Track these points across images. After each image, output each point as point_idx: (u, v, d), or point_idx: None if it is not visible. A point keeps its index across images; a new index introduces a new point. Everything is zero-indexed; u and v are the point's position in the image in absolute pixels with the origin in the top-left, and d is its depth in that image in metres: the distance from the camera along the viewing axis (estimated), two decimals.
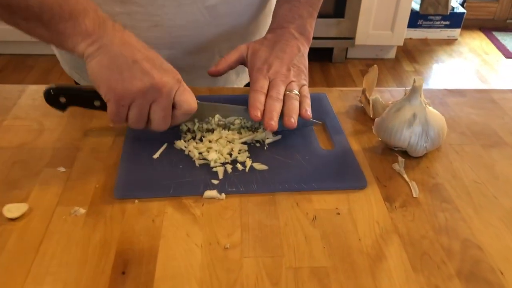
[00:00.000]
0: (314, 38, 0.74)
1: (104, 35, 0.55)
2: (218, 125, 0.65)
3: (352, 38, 2.68)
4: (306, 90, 0.67)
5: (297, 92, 0.65)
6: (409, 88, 0.63)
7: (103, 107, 0.58)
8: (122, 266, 0.47)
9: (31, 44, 2.56)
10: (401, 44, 2.78)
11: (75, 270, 0.46)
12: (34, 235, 0.50)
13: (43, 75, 2.50)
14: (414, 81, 0.61)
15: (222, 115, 0.66)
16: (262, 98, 0.63)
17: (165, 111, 0.57)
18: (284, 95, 0.64)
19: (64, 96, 0.61)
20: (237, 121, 0.66)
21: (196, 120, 0.65)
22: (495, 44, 3.11)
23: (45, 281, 0.45)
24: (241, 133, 0.65)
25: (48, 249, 0.48)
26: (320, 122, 0.68)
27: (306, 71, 0.69)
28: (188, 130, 0.65)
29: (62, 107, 0.62)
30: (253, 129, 0.66)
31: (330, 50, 2.78)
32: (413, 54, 2.96)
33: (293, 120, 0.61)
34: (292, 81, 0.66)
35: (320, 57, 2.79)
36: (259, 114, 0.61)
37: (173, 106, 0.58)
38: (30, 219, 0.52)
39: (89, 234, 0.50)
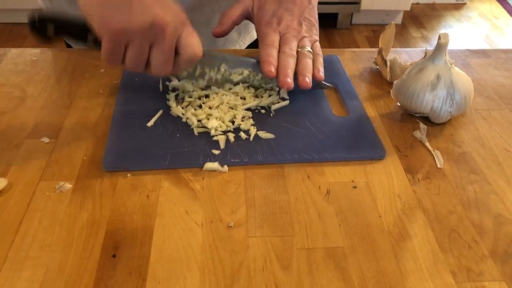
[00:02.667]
0: (318, 3, 0.68)
1: None
2: (223, 76, 0.59)
3: (357, 2, 2.58)
4: (318, 47, 0.61)
5: (310, 49, 0.60)
6: (429, 48, 0.56)
7: (98, 43, 0.50)
8: (113, 249, 0.41)
9: (25, 12, 2.46)
10: (408, 9, 2.67)
11: (59, 253, 0.41)
12: (13, 213, 0.44)
13: (37, 44, 2.42)
14: (439, 38, 0.54)
15: (229, 66, 0.59)
16: (274, 52, 0.58)
17: (166, 55, 0.50)
18: (297, 52, 0.59)
19: (53, 23, 0.52)
20: (246, 72, 0.60)
21: (198, 66, 0.58)
22: (505, 8, 2.99)
23: (25, 266, 0.40)
24: (245, 98, 0.58)
25: (28, 229, 0.43)
26: (332, 86, 0.62)
27: (317, 25, 0.64)
28: (189, 75, 0.59)
29: (49, 39, 0.53)
30: (262, 86, 0.60)
31: (334, 16, 2.68)
32: (420, 19, 2.85)
33: (308, 80, 0.56)
34: (304, 37, 0.61)
35: (324, 23, 2.69)
36: (273, 69, 0.56)
37: (176, 51, 0.51)
38: (9, 195, 0.46)
39: (75, 212, 0.45)
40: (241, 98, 0.58)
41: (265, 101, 0.58)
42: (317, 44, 0.62)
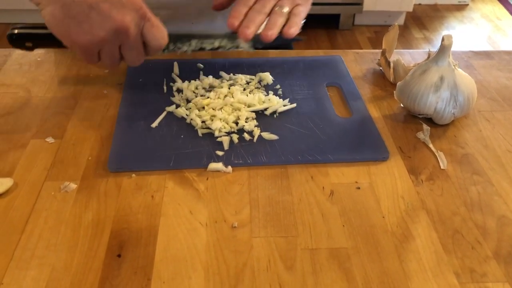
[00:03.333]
0: (320, 4, 0.67)
1: None
2: (195, 48, 0.60)
3: (359, 3, 2.57)
4: (299, 10, 0.59)
5: (286, 10, 0.58)
6: (432, 50, 0.56)
7: None
8: (118, 248, 0.42)
9: (24, 12, 2.46)
10: (411, 10, 2.67)
11: (65, 253, 0.41)
12: (19, 213, 0.44)
13: None
14: (443, 40, 0.54)
15: (200, 39, 0.60)
16: (243, 9, 0.57)
17: (135, 49, 0.53)
18: (271, 11, 0.57)
19: (30, 40, 0.56)
20: (216, 43, 0.60)
21: (170, 45, 0.59)
22: (508, 9, 2.99)
23: (31, 265, 0.40)
24: (249, 106, 0.58)
25: (34, 229, 0.43)
26: (301, 39, 0.61)
27: None
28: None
29: (28, 48, 0.57)
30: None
31: (336, 17, 2.67)
32: (423, 20, 2.85)
33: (270, 33, 0.56)
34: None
35: (326, 24, 2.69)
36: (236, 22, 0.56)
37: (144, 43, 0.53)
38: (15, 195, 0.46)
39: (80, 212, 0.45)
40: (247, 105, 0.58)
41: (272, 107, 0.57)
42: (299, 8, 0.59)
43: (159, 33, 0.53)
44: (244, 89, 0.60)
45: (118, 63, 0.54)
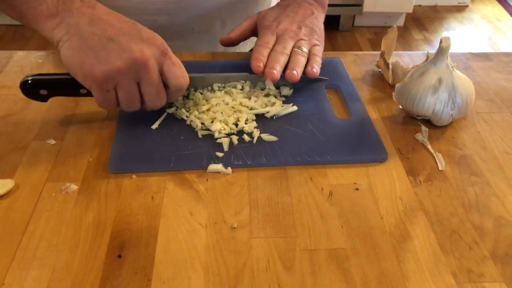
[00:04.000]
0: (323, 19, 0.69)
1: (70, 14, 0.48)
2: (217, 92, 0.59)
3: (359, 5, 2.58)
4: (317, 49, 0.62)
5: (306, 50, 0.60)
6: (431, 51, 0.57)
7: (91, 93, 0.51)
8: (118, 249, 0.42)
9: None
10: (410, 11, 2.67)
11: (66, 253, 0.41)
12: (20, 214, 0.45)
13: (41, 46, 2.42)
14: (441, 42, 0.54)
15: (222, 82, 0.60)
16: (266, 51, 0.59)
17: (155, 87, 0.50)
18: (292, 51, 0.59)
19: (45, 88, 0.53)
20: (239, 86, 0.60)
21: (192, 89, 0.59)
22: (507, 10, 2.99)
23: (32, 266, 0.40)
24: (251, 108, 0.58)
25: (35, 230, 0.43)
26: (326, 78, 0.62)
27: (321, 33, 0.64)
28: (184, 98, 0.59)
29: (43, 99, 0.55)
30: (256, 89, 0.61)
31: (336, 18, 2.68)
32: (423, 21, 2.86)
33: (295, 73, 0.57)
34: (301, 39, 0.61)
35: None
36: (261, 64, 0.57)
37: (163, 83, 0.51)
38: (17, 196, 0.47)
39: (81, 213, 0.45)
40: (248, 107, 0.58)
41: (273, 110, 0.57)
42: (317, 48, 0.62)
43: (180, 72, 0.51)
44: (244, 90, 0.60)
45: (137, 104, 0.51)
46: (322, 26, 0.65)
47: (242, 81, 0.60)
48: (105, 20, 0.49)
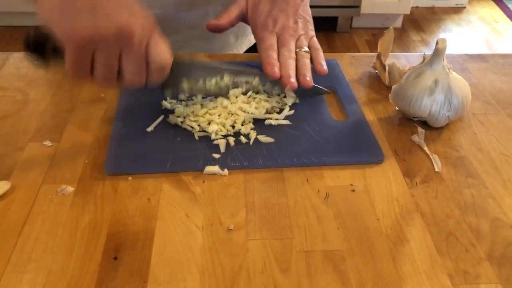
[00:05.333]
0: (317, 6, 0.70)
1: None
2: (227, 85, 0.58)
3: (357, 6, 2.58)
4: (316, 42, 0.63)
5: (307, 49, 0.61)
6: (428, 53, 0.57)
7: (58, 54, 0.46)
8: (114, 251, 0.42)
9: (26, 15, 2.47)
10: (408, 12, 2.68)
11: (61, 256, 0.41)
12: (16, 216, 0.45)
13: None
14: (437, 43, 0.54)
15: (233, 75, 0.58)
16: (275, 54, 0.59)
17: (137, 63, 0.47)
18: (296, 54, 0.60)
19: (51, 40, 0.46)
20: (256, 82, 0.59)
21: (201, 80, 0.57)
22: (505, 12, 3.00)
23: (27, 268, 0.40)
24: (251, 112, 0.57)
25: (31, 232, 0.43)
26: (329, 91, 0.62)
27: (311, 20, 0.65)
28: (177, 95, 0.58)
29: (46, 59, 0.48)
30: (267, 93, 0.60)
31: (334, 19, 2.68)
32: (420, 23, 2.86)
33: (308, 78, 0.58)
34: (301, 35, 0.62)
35: (324, 26, 2.70)
36: (276, 70, 0.57)
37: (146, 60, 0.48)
38: (12, 198, 0.47)
39: (77, 215, 0.45)
40: (248, 113, 0.57)
41: (272, 118, 0.57)
42: (315, 39, 0.63)
43: (164, 49, 0.49)
44: (249, 95, 0.59)
45: (113, 77, 0.47)
46: (310, 11, 0.66)
47: (252, 77, 0.59)
48: None
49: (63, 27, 0.43)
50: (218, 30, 0.64)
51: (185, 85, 0.57)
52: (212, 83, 0.58)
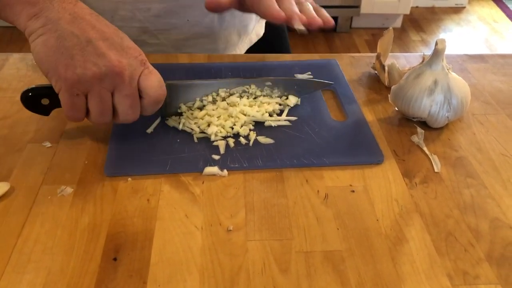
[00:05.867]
0: None
1: (50, 7, 0.46)
2: (223, 99, 0.58)
3: (357, 6, 2.59)
4: (314, 4, 0.61)
5: (309, 4, 0.59)
6: (427, 54, 0.57)
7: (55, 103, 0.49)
8: (114, 252, 0.42)
9: None
10: (408, 12, 2.68)
11: (61, 256, 0.41)
12: (15, 217, 0.45)
13: None
14: (436, 44, 0.54)
15: (227, 88, 0.58)
16: (275, 4, 0.56)
17: (130, 99, 0.48)
18: (297, 3, 0.58)
19: (48, 97, 0.52)
20: (252, 88, 0.58)
21: (198, 98, 0.58)
22: (504, 12, 3.00)
23: (27, 269, 0.40)
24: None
25: (31, 233, 0.43)
26: (332, 82, 0.61)
27: None
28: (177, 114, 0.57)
29: (45, 111, 0.53)
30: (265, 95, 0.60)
31: (334, 19, 2.66)
32: (420, 23, 2.86)
33: (315, 18, 0.56)
34: None
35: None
36: (281, 13, 0.55)
37: (140, 95, 0.49)
38: (12, 199, 0.47)
39: (77, 216, 0.45)
40: (250, 116, 0.57)
41: (273, 120, 0.57)
42: (313, 3, 0.61)
43: (156, 81, 0.49)
44: (254, 98, 0.59)
45: (108, 115, 0.49)
46: None
47: (247, 86, 0.59)
48: (87, 20, 0.47)
49: (56, 72, 0.46)
50: (218, 8, 0.61)
51: (183, 109, 0.57)
52: (209, 100, 0.58)
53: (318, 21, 0.56)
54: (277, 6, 0.56)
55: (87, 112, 0.49)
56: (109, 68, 0.46)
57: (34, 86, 0.52)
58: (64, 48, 0.45)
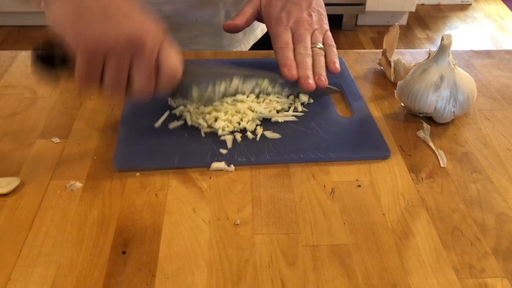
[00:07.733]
0: None
1: None
2: (236, 89, 0.57)
3: (362, 4, 2.58)
4: (330, 37, 0.62)
5: (321, 46, 0.60)
6: (433, 49, 0.57)
7: (67, 63, 0.45)
8: (122, 246, 0.42)
9: (33, 15, 2.49)
10: (413, 10, 2.67)
11: (71, 250, 0.42)
12: (26, 212, 0.45)
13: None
14: (443, 39, 0.55)
15: (242, 78, 0.57)
16: (291, 54, 0.58)
17: (148, 70, 0.46)
18: (312, 51, 0.59)
19: (59, 56, 0.46)
20: (265, 84, 0.58)
21: (210, 83, 0.56)
22: (510, 9, 2.99)
23: (38, 262, 0.41)
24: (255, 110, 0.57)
25: (41, 227, 0.44)
26: (338, 89, 0.62)
27: (325, 14, 0.64)
28: (198, 96, 0.56)
29: (55, 76, 0.48)
30: (277, 95, 0.59)
31: (339, 17, 2.68)
32: (426, 20, 2.85)
33: (323, 79, 0.57)
34: (315, 29, 0.61)
35: (329, 24, 2.69)
36: (294, 72, 0.56)
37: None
38: (22, 194, 0.47)
39: (86, 210, 0.46)
40: (257, 112, 0.57)
41: (280, 116, 0.57)
42: (329, 33, 0.62)
43: (175, 57, 0.48)
44: (259, 97, 0.59)
45: (123, 86, 0.46)
46: (323, 4, 0.65)
47: (261, 80, 0.58)
48: None
49: (75, 34, 0.43)
50: (235, 30, 0.64)
51: (194, 92, 0.55)
52: (221, 87, 0.56)
53: (324, 84, 0.57)
54: (291, 62, 0.57)
55: (101, 81, 0.46)
56: (131, 37, 0.43)
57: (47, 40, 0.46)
58: (85, 7, 0.43)
